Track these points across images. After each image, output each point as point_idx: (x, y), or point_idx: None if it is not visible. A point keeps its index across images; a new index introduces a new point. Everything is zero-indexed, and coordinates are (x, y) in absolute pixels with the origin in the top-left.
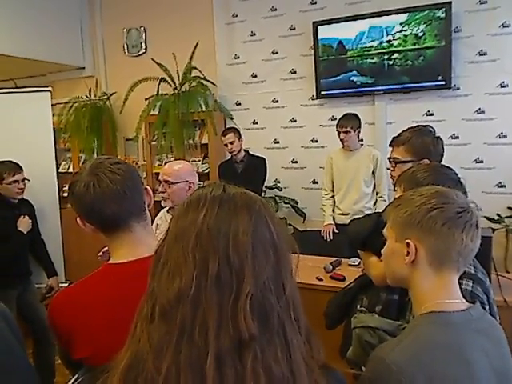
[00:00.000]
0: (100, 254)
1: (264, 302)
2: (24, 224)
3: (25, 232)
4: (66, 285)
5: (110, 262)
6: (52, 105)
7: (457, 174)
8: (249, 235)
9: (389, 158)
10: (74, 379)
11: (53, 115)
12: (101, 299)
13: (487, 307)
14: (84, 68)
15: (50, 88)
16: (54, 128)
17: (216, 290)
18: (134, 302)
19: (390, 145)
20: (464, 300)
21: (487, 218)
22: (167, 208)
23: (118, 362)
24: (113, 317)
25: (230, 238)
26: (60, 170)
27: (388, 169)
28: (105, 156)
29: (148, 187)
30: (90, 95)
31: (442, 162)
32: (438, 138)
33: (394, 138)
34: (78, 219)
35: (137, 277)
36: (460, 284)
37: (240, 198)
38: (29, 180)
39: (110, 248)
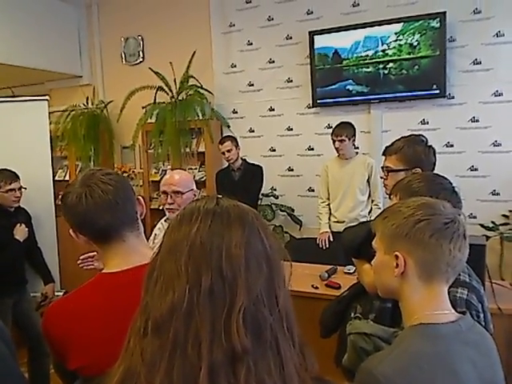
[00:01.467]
0: (79, 261)
1: (257, 315)
2: (21, 232)
3: (21, 240)
4: (61, 293)
5: (103, 271)
6: (49, 113)
7: (451, 184)
8: (242, 248)
9: (382, 167)
10: None
11: (50, 123)
12: (95, 309)
13: (482, 315)
14: (81, 76)
15: (47, 97)
16: (50, 136)
17: (209, 303)
18: (129, 311)
19: (382, 154)
20: (454, 311)
21: (482, 226)
22: (165, 218)
23: (111, 377)
24: (107, 326)
25: (223, 250)
26: (57, 178)
27: (381, 177)
28: (97, 168)
29: (140, 197)
30: (88, 103)
31: (437, 171)
32: (430, 146)
33: (386, 147)
34: (70, 231)
35: (131, 285)
36: (455, 292)
37: (233, 211)
38: (25, 188)
39: (103, 258)
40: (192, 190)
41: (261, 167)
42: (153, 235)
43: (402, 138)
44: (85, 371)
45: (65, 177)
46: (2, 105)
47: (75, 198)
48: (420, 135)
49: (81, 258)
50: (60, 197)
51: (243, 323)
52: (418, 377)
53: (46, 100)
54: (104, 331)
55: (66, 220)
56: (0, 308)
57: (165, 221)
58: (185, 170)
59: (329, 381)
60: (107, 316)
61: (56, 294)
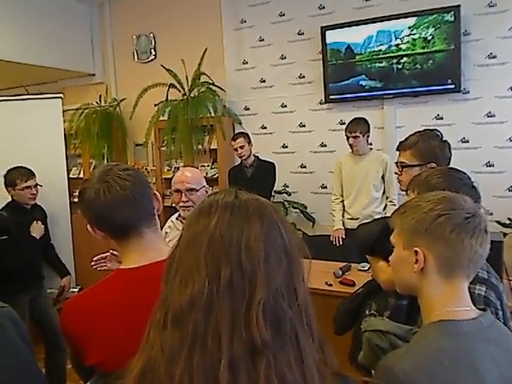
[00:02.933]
0: (92, 263)
1: (276, 309)
2: (37, 229)
3: (38, 237)
4: (76, 290)
5: (121, 267)
6: (63, 111)
7: (470, 179)
8: (261, 241)
9: (396, 163)
10: None
11: (63, 121)
12: (113, 304)
13: (500, 312)
14: (94, 75)
15: (61, 95)
16: (64, 134)
17: (228, 296)
18: (147, 306)
19: (396, 149)
20: (474, 307)
21: (498, 223)
22: (176, 216)
23: (131, 369)
24: (126, 321)
25: (242, 244)
26: (70, 176)
27: (395, 173)
28: (113, 163)
29: (157, 192)
30: (100, 101)
31: (453, 166)
32: (445, 141)
33: (400, 142)
34: (88, 226)
35: (148, 281)
36: (473, 289)
37: (252, 204)
38: (41, 186)
39: (120, 253)
40: (204, 186)
41: (273, 164)
42: (163, 233)
43: (417, 132)
44: (102, 367)
45: (79, 174)
46: (17, 103)
47: (93, 194)
48: (435, 130)
49: (94, 259)
50: (77, 192)
51: (263, 316)
52: (439, 374)
53: (60, 98)
54: (122, 327)
55: (83, 216)
56: (17, 304)
57: (176, 219)
58: (197, 167)
59: (348, 376)
60: (125, 312)
61: (71, 290)
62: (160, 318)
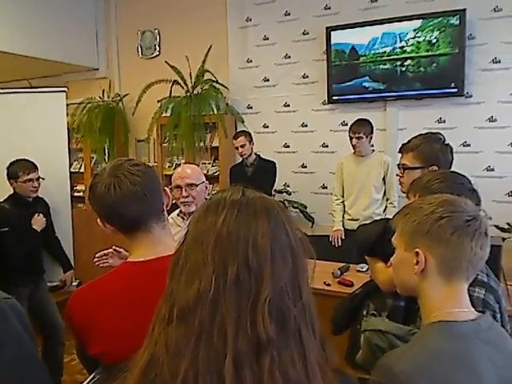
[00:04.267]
0: (95, 259)
1: (281, 306)
2: (38, 222)
3: (39, 230)
4: (75, 283)
5: (128, 259)
6: (66, 105)
7: (471, 183)
8: (268, 239)
9: (398, 165)
10: (90, 378)
11: (66, 115)
12: (118, 296)
13: (498, 315)
14: (98, 69)
15: (65, 88)
16: (67, 128)
17: (235, 293)
18: (152, 299)
19: (399, 151)
20: (473, 309)
21: (497, 227)
22: (176, 212)
23: (136, 363)
24: (130, 313)
25: (249, 241)
26: (72, 170)
27: (397, 175)
28: (124, 158)
29: (166, 188)
30: (103, 96)
31: (454, 170)
32: (448, 145)
33: (403, 144)
34: (98, 220)
35: (155, 275)
36: (472, 292)
37: (259, 203)
38: (43, 179)
39: (128, 247)
40: (203, 182)
41: (274, 163)
42: None
43: (420, 135)
44: (105, 357)
45: (80, 169)
46: (21, 95)
47: (104, 189)
48: (437, 133)
49: (96, 255)
50: (88, 186)
51: (268, 313)
52: (437, 374)
53: (64, 91)
54: (126, 319)
55: (93, 210)
56: (16, 297)
57: (177, 215)
58: (198, 164)
59: (348, 375)
60: (130, 304)
61: (72, 284)
62: (165, 313)
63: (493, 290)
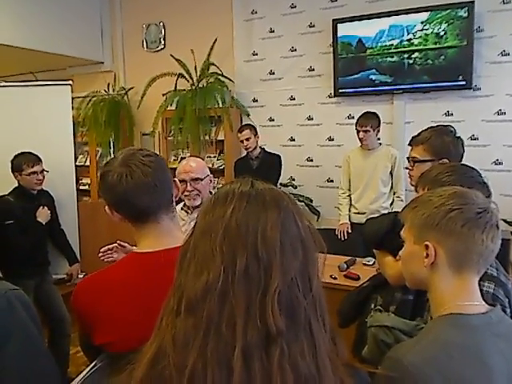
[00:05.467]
0: (100, 254)
1: (291, 298)
2: (43, 215)
3: (43, 223)
4: (81, 276)
5: (135, 250)
6: (71, 98)
7: (481, 176)
8: (277, 231)
9: (407, 158)
10: (92, 365)
11: (72, 108)
12: (124, 286)
13: (508, 310)
14: (103, 63)
15: (70, 82)
16: (72, 121)
17: (244, 284)
18: (159, 291)
19: (409, 144)
20: (484, 302)
21: (505, 221)
22: (180, 206)
23: (144, 355)
24: (136, 304)
25: (258, 232)
26: (77, 164)
27: (406, 168)
28: (136, 147)
29: (176, 179)
30: (109, 90)
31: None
32: (459, 138)
33: (413, 137)
34: (106, 208)
35: (162, 266)
36: (482, 286)
37: (268, 194)
38: (48, 171)
39: (136, 237)
40: (208, 175)
41: (279, 156)
42: None
43: (430, 128)
44: (111, 347)
45: (85, 162)
46: (26, 89)
47: (116, 177)
48: (448, 126)
49: (101, 250)
50: (99, 175)
51: (278, 305)
52: (448, 366)
53: (69, 84)
54: (132, 309)
55: (103, 198)
56: (21, 289)
57: (181, 209)
58: (203, 158)
59: (359, 368)
60: (136, 294)
61: (79, 277)
62: (173, 305)
63: (503, 285)
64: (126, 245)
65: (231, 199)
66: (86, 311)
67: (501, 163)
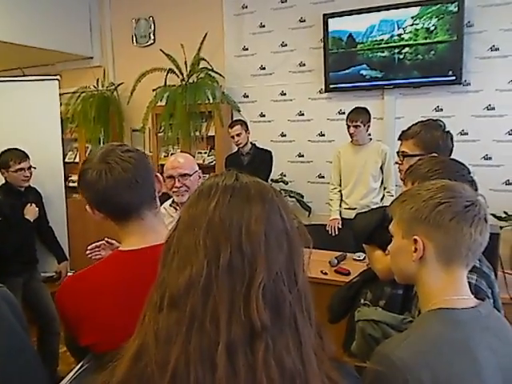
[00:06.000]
0: (87, 252)
1: (276, 292)
2: (31, 212)
3: (31, 220)
4: (70, 274)
5: (120, 248)
6: (59, 94)
7: (470, 173)
8: (262, 224)
9: (397, 152)
10: (78, 366)
11: (60, 105)
12: (109, 285)
13: (491, 301)
14: (92, 58)
15: (57, 76)
16: (61, 117)
17: (228, 278)
18: (144, 288)
19: (398, 138)
20: (472, 296)
21: (494, 216)
22: (169, 202)
23: (126, 352)
24: (122, 303)
25: (242, 226)
26: (66, 160)
27: (396, 163)
28: (115, 143)
29: (158, 174)
30: (98, 85)
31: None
32: (448, 132)
33: (403, 131)
34: (87, 207)
35: (147, 264)
36: None
37: (253, 187)
38: (35, 168)
39: (120, 235)
40: (197, 171)
41: (270, 152)
42: None
43: (419, 122)
44: (97, 347)
45: (74, 159)
46: (13, 84)
47: (95, 175)
48: (438, 120)
49: (88, 247)
50: (78, 173)
51: (262, 299)
52: (436, 361)
53: (57, 80)
54: (118, 308)
55: (83, 196)
56: (10, 287)
57: (170, 205)
58: (194, 154)
59: (345, 362)
60: (121, 293)
61: (68, 275)
62: (156, 300)
63: (485, 276)
64: (113, 242)
65: (215, 192)
66: (70, 312)
67: (490, 158)
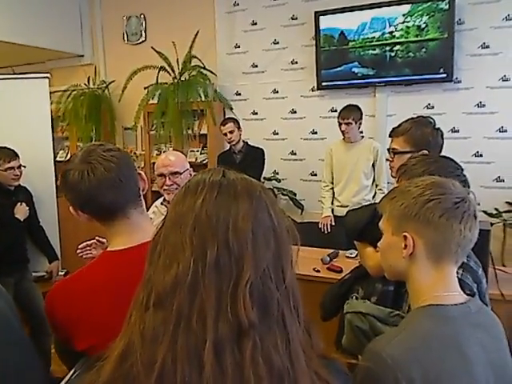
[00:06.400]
0: (78, 251)
1: (264, 290)
2: (21, 211)
3: (22, 219)
4: (62, 273)
5: (108, 249)
6: (50, 92)
7: (463, 170)
8: (249, 221)
9: (388, 149)
10: (71, 373)
11: (51, 103)
12: (100, 287)
13: (476, 295)
14: (83, 56)
15: (48, 74)
16: (51, 116)
17: (215, 276)
18: (135, 288)
19: (389, 135)
20: (462, 292)
21: (485, 213)
22: (160, 200)
23: (112, 351)
24: (114, 304)
25: (229, 223)
26: (58, 159)
27: (387, 159)
28: (97, 143)
29: (142, 172)
30: (89, 83)
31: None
32: (438, 129)
33: (393, 128)
34: (70, 208)
35: (135, 263)
36: None
37: (240, 184)
38: (25, 166)
39: (107, 236)
40: (188, 169)
41: (262, 150)
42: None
43: (410, 119)
44: (92, 351)
45: (66, 157)
46: (3, 82)
47: (77, 176)
48: (428, 117)
49: (79, 247)
50: (60, 174)
51: (250, 297)
52: (427, 358)
53: (47, 77)
54: (111, 309)
55: (66, 198)
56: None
57: (161, 203)
58: (186, 152)
59: (334, 359)
60: (113, 294)
61: (59, 274)
62: (143, 299)
63: (471, 270)
64: (104, 241)
65: (202, 189)
66: (61, 318)
67: (481, 155)
